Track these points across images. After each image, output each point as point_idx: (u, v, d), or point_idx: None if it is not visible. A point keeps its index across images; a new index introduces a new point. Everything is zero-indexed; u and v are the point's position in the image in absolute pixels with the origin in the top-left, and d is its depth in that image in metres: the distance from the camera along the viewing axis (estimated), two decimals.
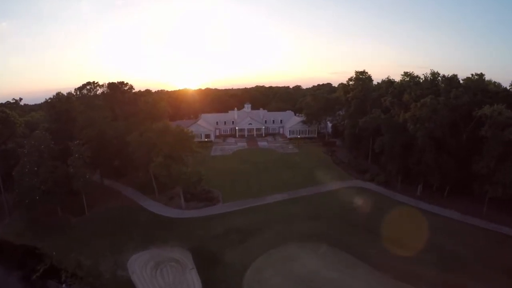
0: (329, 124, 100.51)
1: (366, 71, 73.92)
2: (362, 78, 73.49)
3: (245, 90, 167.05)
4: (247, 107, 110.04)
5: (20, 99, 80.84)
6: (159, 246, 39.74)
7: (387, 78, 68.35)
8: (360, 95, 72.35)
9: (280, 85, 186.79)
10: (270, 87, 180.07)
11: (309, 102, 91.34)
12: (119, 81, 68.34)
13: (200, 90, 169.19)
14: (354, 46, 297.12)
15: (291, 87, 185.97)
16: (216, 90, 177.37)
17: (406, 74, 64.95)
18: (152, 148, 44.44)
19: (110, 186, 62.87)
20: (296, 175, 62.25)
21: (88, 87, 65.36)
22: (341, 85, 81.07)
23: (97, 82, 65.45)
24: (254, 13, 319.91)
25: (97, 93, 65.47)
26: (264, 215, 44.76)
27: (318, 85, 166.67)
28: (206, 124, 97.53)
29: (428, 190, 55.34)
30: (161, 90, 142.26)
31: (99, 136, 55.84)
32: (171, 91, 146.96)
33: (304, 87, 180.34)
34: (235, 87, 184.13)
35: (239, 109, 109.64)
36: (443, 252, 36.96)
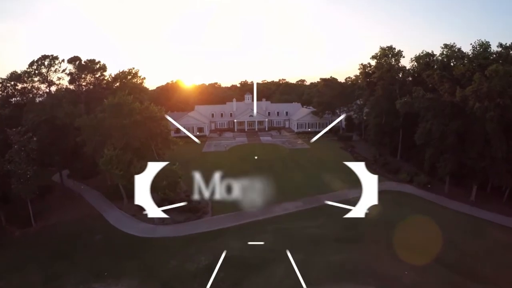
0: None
1: (393, 46, 59.64)
2: (388, 55, 59.15)
3: (245, 83, 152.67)
4: (248, 98, 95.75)
5: None
6: (109, 283, 25.66)
7: (423, 51, 54.04)
8: (387, 76, 58.13)
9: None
10: (272, 81, 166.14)
11: (321, 89, 77.16)
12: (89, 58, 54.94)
13: (197, 86, 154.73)
14: (356, 44, 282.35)
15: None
16: (214, 84, 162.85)
17: (446, 46, 50.83)
18: (109, 136, 30.35)
19: (72, 189, 49.25)
20: (310, 176, 47.64)
21: (46, 61, 51.85)
22: (361, 65, 66.49)
23: (57, 56, 52.13)
24: (251, 11, 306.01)
25: (59, 70, 52.36)
26: (271, 236, 30.04)
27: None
28: (199, 116, 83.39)
29: (480, 193, 42.64)
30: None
31: (50, 123, 42.08)
32: (165, 85, 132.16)
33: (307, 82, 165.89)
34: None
35: (239, 101, 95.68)
36: None
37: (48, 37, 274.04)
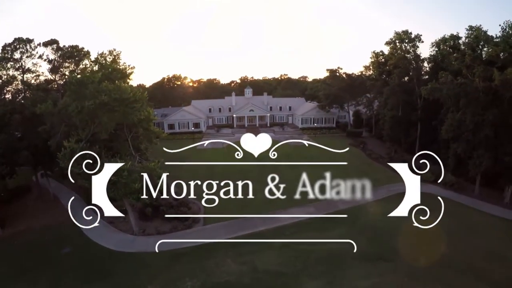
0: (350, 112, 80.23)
1: (410, 31, 53.41)
2: (405, 40, 53.00)
3: (245, 79, 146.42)
4: (248, 92, 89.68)
5: None
6: None
7: (444, 35, 48.11)
8: (405, 63, 52.09)
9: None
10: (274, 77, 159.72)
11: (328, 80, 70.98)
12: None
13: (195, 81, 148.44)
14: (356, 45, 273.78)
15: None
16: (213, 80, 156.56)
17: (471, 28, 44.80)
18: (75, 125, 24.28)
19: (49, 190, 43.38)
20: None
21: (20, 46, 45.75)
22: (373, 53, 60.37)
23: (32, 39, 46.00)
24: (251, 11, 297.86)
25: (35, 56, 46.36)
26: (279, 254, 23.70)
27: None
28: (195, 111, 77.19)
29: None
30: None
31: (18, 113, 36.08)
32: (160, 80, 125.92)
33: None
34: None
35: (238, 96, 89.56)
36: None
37: (46, 37, 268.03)
